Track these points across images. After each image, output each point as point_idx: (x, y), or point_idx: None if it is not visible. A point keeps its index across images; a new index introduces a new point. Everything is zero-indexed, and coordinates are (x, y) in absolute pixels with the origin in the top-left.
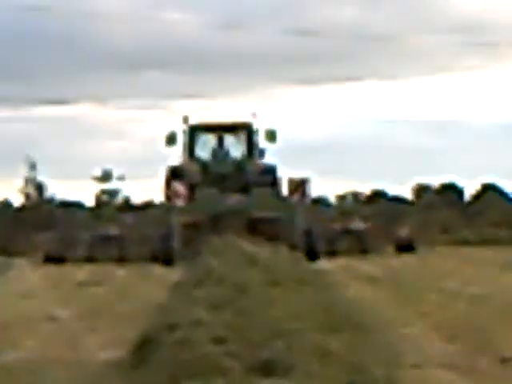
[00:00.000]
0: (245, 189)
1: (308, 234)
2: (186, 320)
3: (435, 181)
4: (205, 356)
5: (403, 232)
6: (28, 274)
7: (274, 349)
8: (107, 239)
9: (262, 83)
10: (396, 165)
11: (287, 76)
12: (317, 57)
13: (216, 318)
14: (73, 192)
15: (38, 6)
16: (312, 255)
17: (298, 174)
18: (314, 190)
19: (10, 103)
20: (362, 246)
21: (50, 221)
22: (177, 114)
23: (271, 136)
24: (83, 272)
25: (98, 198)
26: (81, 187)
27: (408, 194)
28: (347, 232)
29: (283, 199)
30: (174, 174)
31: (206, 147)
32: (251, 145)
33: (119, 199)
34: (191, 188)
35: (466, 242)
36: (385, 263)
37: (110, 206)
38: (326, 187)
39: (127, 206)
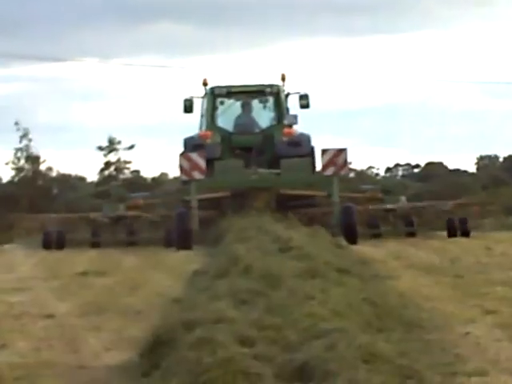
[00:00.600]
0: (274, 161)
1: (347, 212)
2: (207, 317)
3: (502, 152)
4: (229, 359)
5: (460, 212)
6: (20, 261)
7: (311, 351)
8: (113, 220)
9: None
10: (456, 133)
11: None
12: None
13: (242, 314)
14: (73, 165)
15: None
16: (352, 238)
17: (337, 144)
18: (358, 162)
19: None
20: (410, 228)
21: (47, 199)
22: (194, 73)
23: (304, 100)
24: (85, 259)
25: (102, 172)
26: (82, 159)
27: (469, 167)
28: (393, 211)
29: (317, 173)
30: (192, 145)
31: (228, 114)
32: (280, 111)
33: (127, 173)
34: (210, 162)
35: None
36: (440, 248)
37: (116, 182)
38: (373, 158)
39: (137, 181)
